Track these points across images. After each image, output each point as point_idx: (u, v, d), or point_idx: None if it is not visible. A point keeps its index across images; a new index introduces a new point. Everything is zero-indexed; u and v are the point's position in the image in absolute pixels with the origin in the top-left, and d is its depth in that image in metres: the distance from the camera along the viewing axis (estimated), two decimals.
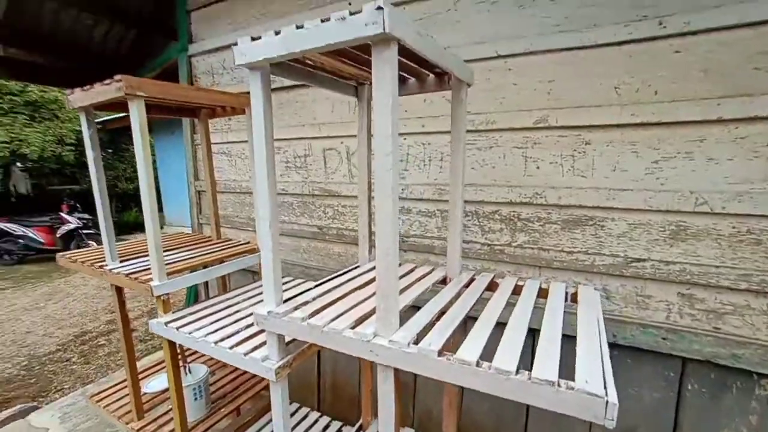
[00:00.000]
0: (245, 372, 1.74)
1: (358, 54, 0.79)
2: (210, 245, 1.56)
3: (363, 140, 1.18)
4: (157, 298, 1.13)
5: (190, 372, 1.49)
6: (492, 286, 1.03)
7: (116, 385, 1.66)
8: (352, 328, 0.75)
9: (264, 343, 0.97)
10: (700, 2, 1.13)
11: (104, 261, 1.32)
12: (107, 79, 1.03)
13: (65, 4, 2.10)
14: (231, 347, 0.96)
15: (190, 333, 1.04)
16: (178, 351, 1.59)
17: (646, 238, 1.28)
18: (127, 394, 1.58)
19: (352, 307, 0.85)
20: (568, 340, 0.71)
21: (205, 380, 1.46)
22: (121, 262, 1.34)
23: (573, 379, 0.55)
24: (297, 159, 2.01)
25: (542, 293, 0.93)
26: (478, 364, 0.59)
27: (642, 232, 1.28)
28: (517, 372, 0.57)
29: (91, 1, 2.21)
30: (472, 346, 0.66)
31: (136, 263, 1.32)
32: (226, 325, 1.08)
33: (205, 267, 1.35)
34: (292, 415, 1.54)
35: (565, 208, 1.40)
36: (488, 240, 1.55)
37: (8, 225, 7.23)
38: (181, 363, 1.58)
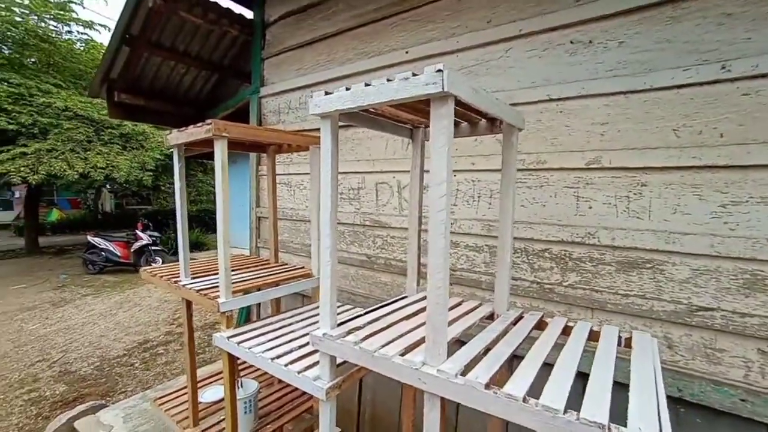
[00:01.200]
0: (289, 392, 1.81)
1: (416, 104, 0.88)
2: (269, 268, 1.69)
3: (416, 177, 1.26)
4: (222, 314, 1.26)
5: (242, 386, 1.59)
6: (541, 325, 1.02)
7: (176, 391, 1.80)
8: (402, 355, 0.79)
9: (316, 363, 1.03)
10: (766, 47, 1.10)
11: (179, 277, 1.49)
12: (192, 118, 1.23)
13: (166, 58, 2.52)
14: (286, 365, 1.03)
15: (249, 348, 1.14)
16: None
17: (715, 286, 1.20)
18: (186, 401, 1.71)
19: (401, 336, 0.89)
20: (619, 388, 0.69)
21: (255, 395, 1.55)
22: (193, 278, 1.50)
23: (625, 425, 0.54)
24: (351, 191, 2.15)
25: (593, 336, 0.91)
26: (525, 400, 0.61)
27: (709, 279, 1.20)
28: (565, 412, 0.57)
29: (186, 53, 2.61)
30: (519, 382, 0.67)
31: (205, 280, 1.47)
32: (282, 344, 1.17)
33: (259, 289, 1.46)
34: None
35: (619, 249, 1.36)
36: (537, 278, 1.53)
37: (95, 239, 8.21)
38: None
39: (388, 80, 0.75)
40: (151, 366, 3.85)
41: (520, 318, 1.04)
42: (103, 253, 8.17)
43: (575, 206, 1.45)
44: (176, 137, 1.35)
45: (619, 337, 0.90)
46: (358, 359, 0.84)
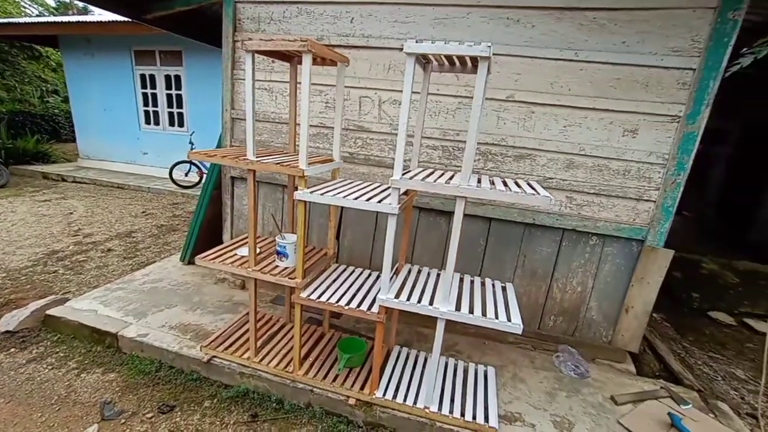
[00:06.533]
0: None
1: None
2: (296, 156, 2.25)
3: (423, 98, 2.03)
4: (302, 177, 1.87)
5: (284, 238, 2.24)
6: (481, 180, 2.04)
7: (214, 252, 2.31)
8: (447, 182, 1.68)
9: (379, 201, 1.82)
10: (593, 46, 2.21)
11: (245, 156, 1.97)
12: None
13: None
14: (367, 200, 1.80)
15: (333, 196, 1.83)
16: (278, 225, 2.33)
17: (555, 167, 2.43)
18: (230, 256, 2.27)
19: (436, 179, 1.76)
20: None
21: (296, 243, 2.23)
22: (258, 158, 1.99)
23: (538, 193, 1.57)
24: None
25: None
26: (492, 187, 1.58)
27: (553, 163, 2.43)
28: (506, 188, 1.57)
29: None
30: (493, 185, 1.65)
31: (271, 159, 2.00)
32: (351, 193, 1.89)
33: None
34: (351, 274, 2.42)
35: (516, 148, 2.47)
36: None
37: None
38: (279, 231, 2.32)
39: (460, 43, 1.50)
40: (81, 271, 3.78)
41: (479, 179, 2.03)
42: None
43: (496, 122, 2.47)
44: (257, 44, 1.74)
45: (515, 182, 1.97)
46: (422, 187, 1.69)
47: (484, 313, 1.84)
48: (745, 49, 1.82)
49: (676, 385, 2.51)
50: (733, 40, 1.99)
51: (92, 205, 6.00)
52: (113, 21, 6.79)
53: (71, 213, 5.54)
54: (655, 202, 2.36)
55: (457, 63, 1.87)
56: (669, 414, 2.10)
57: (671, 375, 2.68)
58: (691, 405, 2.24)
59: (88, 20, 7.65)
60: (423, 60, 1.91)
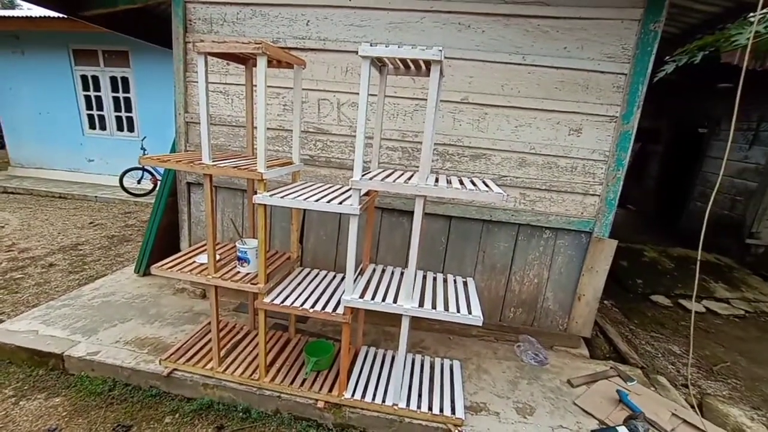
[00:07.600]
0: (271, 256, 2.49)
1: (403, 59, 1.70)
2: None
3: (381, 101, 2.07)
4: (261, 181, 1.84)
5: (245, 243, 2.19)
6: (438, 179, 2.11)
7: (171, 261, 2.21)
8: (406, 182, 1.72)
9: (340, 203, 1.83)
10: (538, 51, 2.36)
11: (201, 160, 1.90)
12: None
13: None
14: (328, 201, 1.80)
15: (293, 198, 1.82)
16: (239, 230, 2.27)
17: (509, 165, 2.56)
18: (188, 264, 2.18)
19: (395, 179, 1.81)
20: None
21: (257, 248, 2.18)
22: (214, 161, 1.93)
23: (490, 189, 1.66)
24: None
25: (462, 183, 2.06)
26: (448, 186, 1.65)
27: (507, 162, 2.56)
28: (462, 186, 1.65)
29: None
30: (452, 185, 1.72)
31: (227, 162, 1.95)
32: (312, 195, 1.89)
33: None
34: (315, 277, 2.41)
35: (472, 148, 2.58)
36: None
37: None
38: (239, 237, 2.26)
39: (412, 47, 1.55)
40: (18, 289, 3.46)
41: (436, 179, 2.10)
42: None
43: (452, 124, 2.56)
44: (209, 46, 1.69)
45: (471, 181, 2.06)
46: (381, 187, 1.72)
47: (446, 308, 1.90)
48: (668, 57, 2.02)
49: (623, 364, 2.72)
50: (655, 49, 2.20)
51: (29, 217, 5.51)
52: (45, 17, 6.30)
53: (2, 227, 5.05)
54: (599, 196, 2.55)
55: (412, 66, 1.92)
56: (617, 391, 2.28)
57: (619, 355, 2.90)
58: (635, 381, 2.44)
59: (14, 15, 7.02)
60: (378, 63, 1.95)
